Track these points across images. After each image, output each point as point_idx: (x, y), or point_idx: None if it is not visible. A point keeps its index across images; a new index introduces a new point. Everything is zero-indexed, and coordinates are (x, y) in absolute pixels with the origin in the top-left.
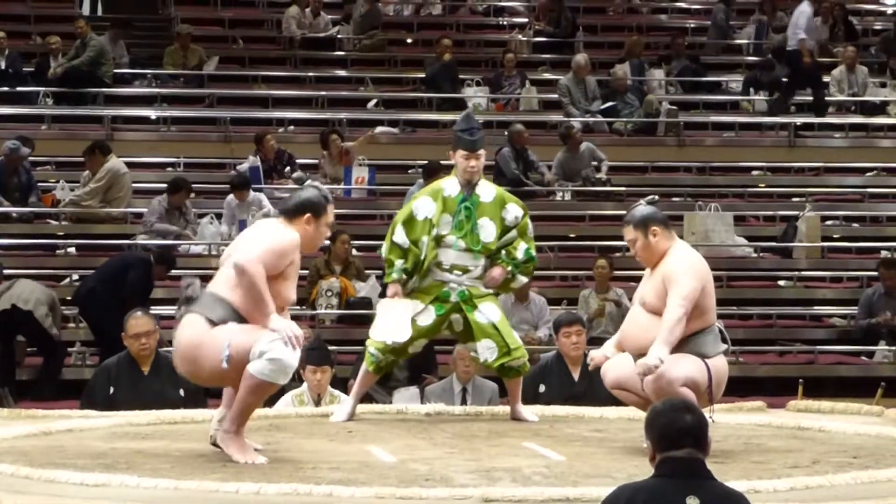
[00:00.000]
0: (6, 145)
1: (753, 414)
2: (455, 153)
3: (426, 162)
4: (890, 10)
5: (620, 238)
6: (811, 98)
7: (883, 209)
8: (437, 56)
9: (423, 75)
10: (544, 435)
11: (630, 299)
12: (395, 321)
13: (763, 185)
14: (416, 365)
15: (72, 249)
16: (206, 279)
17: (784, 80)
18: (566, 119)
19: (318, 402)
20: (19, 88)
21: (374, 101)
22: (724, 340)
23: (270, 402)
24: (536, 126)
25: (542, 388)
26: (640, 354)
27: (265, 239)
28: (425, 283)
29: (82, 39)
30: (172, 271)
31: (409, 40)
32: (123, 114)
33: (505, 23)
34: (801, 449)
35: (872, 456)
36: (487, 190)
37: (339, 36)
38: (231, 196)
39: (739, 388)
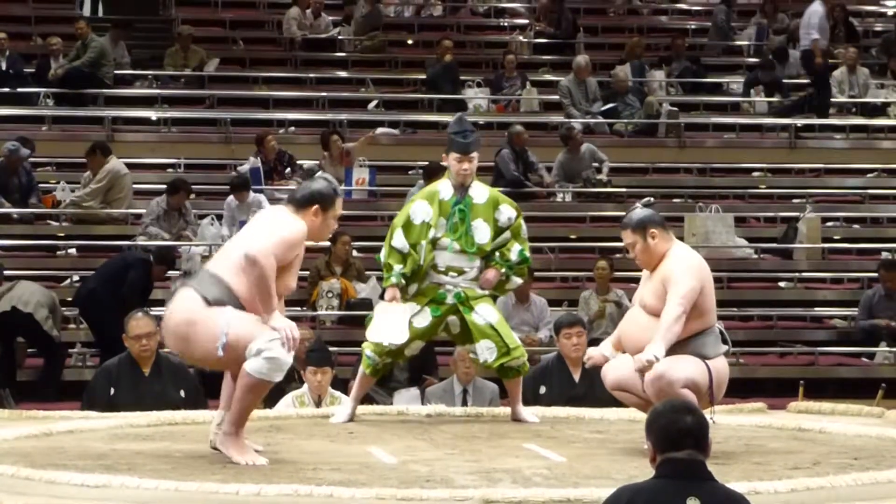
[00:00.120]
0: (6, 146)
1: (754, 415)
2: (448, 156)
3: (427, 163)
4: (891, 12)
5: (621, 239)
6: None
7: (883, 210)
8: (437, 57)
9: (423, 76)
10: (545, 436)
11: (630, 301)
12: (393, 323)
13: (763, 187)
14: (417, 366)
15: (72, 250)
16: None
17: (784, 80)
18: (567, 120)
19: (318, 404)
20: (20, 89)
21: (374, 103)
22: (724, 341)
23: (271, 403)
24: (537, 127)
25: (542, 390)
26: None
27: (277, 229)
28: (422, 285)
29: (83, 40)
30: (170, 272)
31: (409, 41)
32: (124, 115)
33: (505, 24)
34: (802, 450)
35: (873, 457)
36: (480, 192)
37: (339, 37)
38: (231, 197)
39: (740, 389)
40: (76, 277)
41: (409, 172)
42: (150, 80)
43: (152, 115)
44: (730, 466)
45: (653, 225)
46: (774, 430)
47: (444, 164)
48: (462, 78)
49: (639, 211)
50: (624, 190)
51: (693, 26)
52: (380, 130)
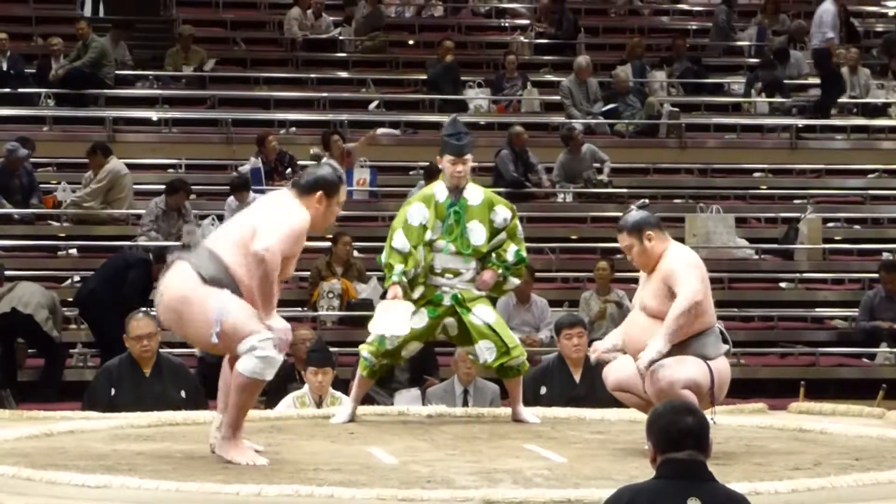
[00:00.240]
0: (6, 147)
1: (755, 416)
2: (442, 158)
3: (428, 164)
4: (891, 13)
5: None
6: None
7: (884, 211)
8: (438, 58)
9: (424, 77)
10: (546, 437)
11: (630, 301)
12: (395, 317)
13: (764, 187)
14: (418, 367)
15: (73, 251)
16: None
17: (785, 80)
18: (568, 121)
19: (319, 404)
20: (21, 90)
21: (375, 103)
22: (724, 341)
23: (272, 403)
24: (538, 128)
25: (543, 390)
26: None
27: (283, 223)
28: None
29: (84, 41)
30: None
31: (410, 42)
32: (125, 115)
33: (506, 24)
34: (803, 451)
35: (874, 458)
36: (475, 193)
37: (340, 37)
38: (231, 198)
39: (741, 389)
40: (77, 278)
41: (410, 173)
42: (150, 81)
43: (153, 115)
44: (730, 467)
45: (648, 227)
46: (775, 431)
47: (438, 166)
48: (463, 78)
49: (634, 213)
50: (625, 190)
51: (694, 27)
52: (380, 131)
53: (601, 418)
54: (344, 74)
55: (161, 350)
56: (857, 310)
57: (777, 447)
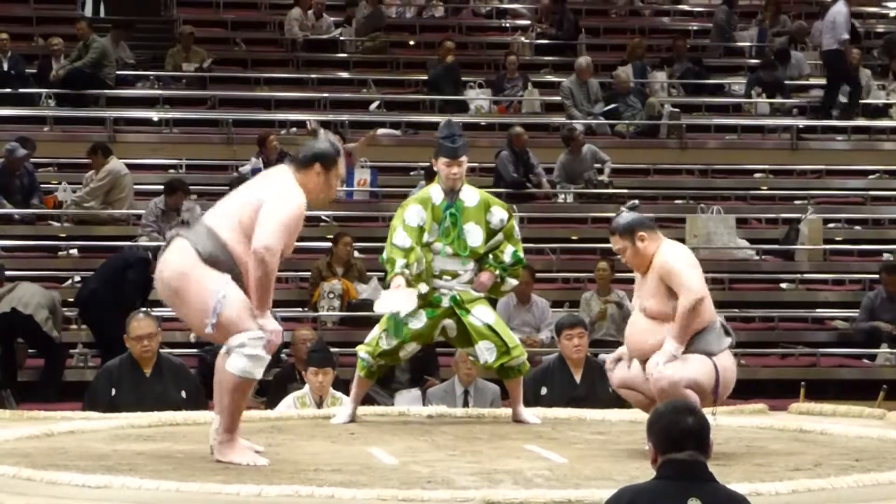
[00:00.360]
0: (6, 147)
1: (755, 416)
2: (437, 160)
3: (428, 164)
4: (892, 14)
5: None
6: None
7: (885, 212)
8: (439, 58)
9: (425, 77)
10: (546, 437)
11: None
12: (401, 295)
13: (765, 188)
14: (418, 367)
15: (74, 251)
16: None
17: (786, 81)
18: (568, 121)
19: (319, 404)
20: (21, 90)
21: (376, 103)
22: (727, 334)
23: (272, 404)
24: (538, 128)
25: (543, 391)
26: (643, 360)
27: (281, 214)
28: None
29: (84, 41)
30: None
31: (411, 42)
32: (125, 115)
33: (507, 25)
34: (803, 451)
35: (874, 459)
36: (471, 195)
37: (341, 38)
38: None
39: (741, 390)
40: (77, 278)
41: (411, 173)
42: (151, 81)
43: (154, 115)
44: (731, 467)
45: (641, 228)
46: (776, 432)
47: (434, 168)
48: (464, 79)
49: (625, 215)
50: (625, 191)
51: (695, 27)
52: (381, 131)
53: (602, 419)
54: (345, 75)
55: (161, 350)
56: (857, 311)
57: (777, 448)
